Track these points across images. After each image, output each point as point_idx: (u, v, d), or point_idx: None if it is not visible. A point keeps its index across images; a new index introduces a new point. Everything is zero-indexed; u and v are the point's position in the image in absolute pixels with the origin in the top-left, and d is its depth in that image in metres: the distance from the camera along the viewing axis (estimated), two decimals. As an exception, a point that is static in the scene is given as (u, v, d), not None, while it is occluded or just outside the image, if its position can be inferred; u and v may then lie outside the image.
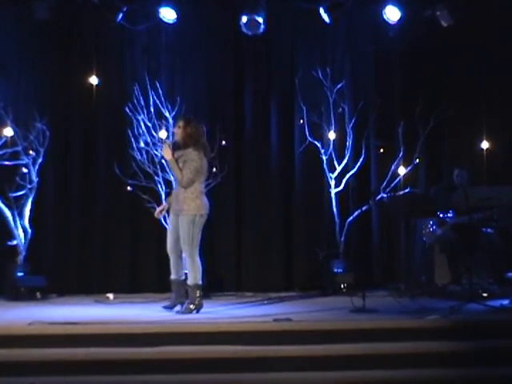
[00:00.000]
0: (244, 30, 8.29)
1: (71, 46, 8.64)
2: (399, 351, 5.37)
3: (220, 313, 6.57)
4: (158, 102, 8.23)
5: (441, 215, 7.53)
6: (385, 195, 8.25)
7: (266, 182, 8.77)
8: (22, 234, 8.03)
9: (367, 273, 8.37)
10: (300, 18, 8.67)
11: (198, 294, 6.42)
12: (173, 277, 6.64)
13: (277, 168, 8.76)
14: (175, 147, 6.52)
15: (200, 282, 6.44)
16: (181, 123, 6.56)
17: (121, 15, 8.29)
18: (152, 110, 8.21)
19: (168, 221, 6.66)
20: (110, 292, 8.12)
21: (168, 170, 6.55)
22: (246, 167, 8.75)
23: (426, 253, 7.81)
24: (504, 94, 8.54)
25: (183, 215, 6.41)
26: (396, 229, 8.71)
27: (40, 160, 8.15)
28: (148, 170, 8.08)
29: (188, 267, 6.48)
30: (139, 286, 8.44)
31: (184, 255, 6.51)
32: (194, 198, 6.42)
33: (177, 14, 8.31)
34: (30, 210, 8.09)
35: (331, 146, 8.44)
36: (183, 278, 6.64)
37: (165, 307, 6.63)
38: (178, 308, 6.58)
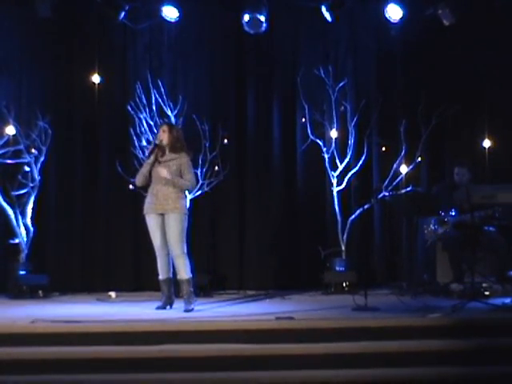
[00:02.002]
0: (246, 28, 8.30)
1: (73, 44, 8.66)
2: (401, 349, 5.36)
3: (222, 311, 6.57)
4: (160, 100, 8.25)
5: (443, 214, 7.52)
6: (387, 194, 8.24)
7: (267, 180, 8.78)
8: (24, 233, 8.04)
9: (369, 271, 8.37)
10: (302, 17, 8.68)
11: (191, 288, 6.58)
12: (163, 277, 6.71)
13: (279, 166, 8.77)
14: (154, 149, 6.67)
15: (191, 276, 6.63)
16: (165, 127, 6.75)
17: (123, 13, 8.30)
18: (154, 108, 8.23)
19: (149, 224, 6.69)
20: (113, 290, 8.13)
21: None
22: (248, 166, 8.76)
23: (428, 251, 7.79)
24: (506, 92, 8.53)
25: (175, 213, 6.53)
26: (398, 227, 8.71)
27: (42, 158, 8.16)
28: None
29: (179, 264, 6.57)
30: (141, 284, 8.45)
31: (173, 253, 6.58)
32: (183, 197, 6.68)
33: (179, 12, 8.34)
34: (32, 209, 8.10)
35: (333, 145, 8.44)
36: (172, 276, 6.75)
37: (158, 308, 6.68)
38: (169, 308, 6.70)
